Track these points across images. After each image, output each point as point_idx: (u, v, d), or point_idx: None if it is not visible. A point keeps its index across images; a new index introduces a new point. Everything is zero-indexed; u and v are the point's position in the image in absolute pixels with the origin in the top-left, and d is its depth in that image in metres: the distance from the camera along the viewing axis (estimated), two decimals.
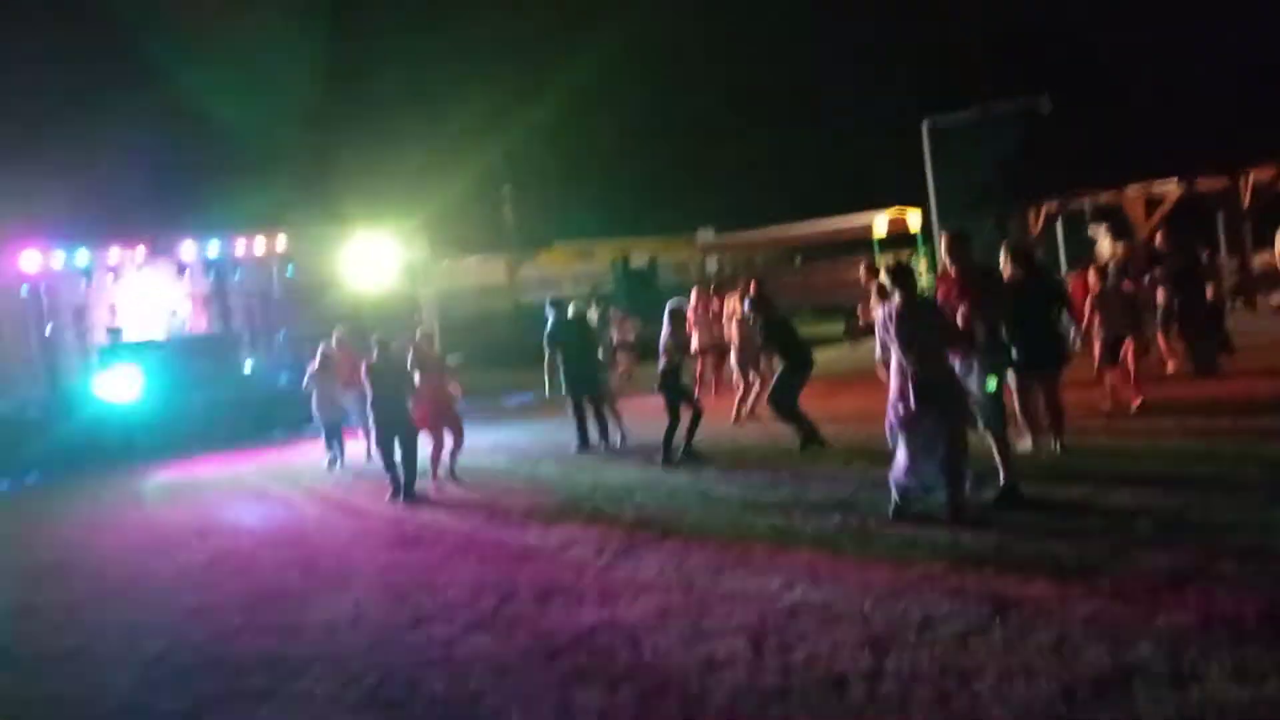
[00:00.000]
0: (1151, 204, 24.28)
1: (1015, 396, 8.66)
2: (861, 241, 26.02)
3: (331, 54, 31.44)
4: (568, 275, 38.98)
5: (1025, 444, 8.75)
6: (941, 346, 7.16)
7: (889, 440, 7.24)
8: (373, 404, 10.93)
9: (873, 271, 13.90)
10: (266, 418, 19.77)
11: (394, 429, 10.82)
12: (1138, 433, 9.61)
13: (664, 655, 5.31)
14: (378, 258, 22.79)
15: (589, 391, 13.02)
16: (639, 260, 40.70)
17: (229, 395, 19.38)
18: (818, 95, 42.40)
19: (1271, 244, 19.87)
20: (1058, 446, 8.97)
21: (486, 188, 36.69)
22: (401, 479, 10.78)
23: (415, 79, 35.24)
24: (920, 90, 35.24)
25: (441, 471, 11.46)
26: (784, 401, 10.94)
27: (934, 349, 7.06)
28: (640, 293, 39.78)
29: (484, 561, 7.84)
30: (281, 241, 22.13)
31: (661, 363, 11.28)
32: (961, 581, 5.84)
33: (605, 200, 41.76)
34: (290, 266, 22.43)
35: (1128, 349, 11.99)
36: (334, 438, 13.80)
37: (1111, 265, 12.24)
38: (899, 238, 26.52)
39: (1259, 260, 20.23)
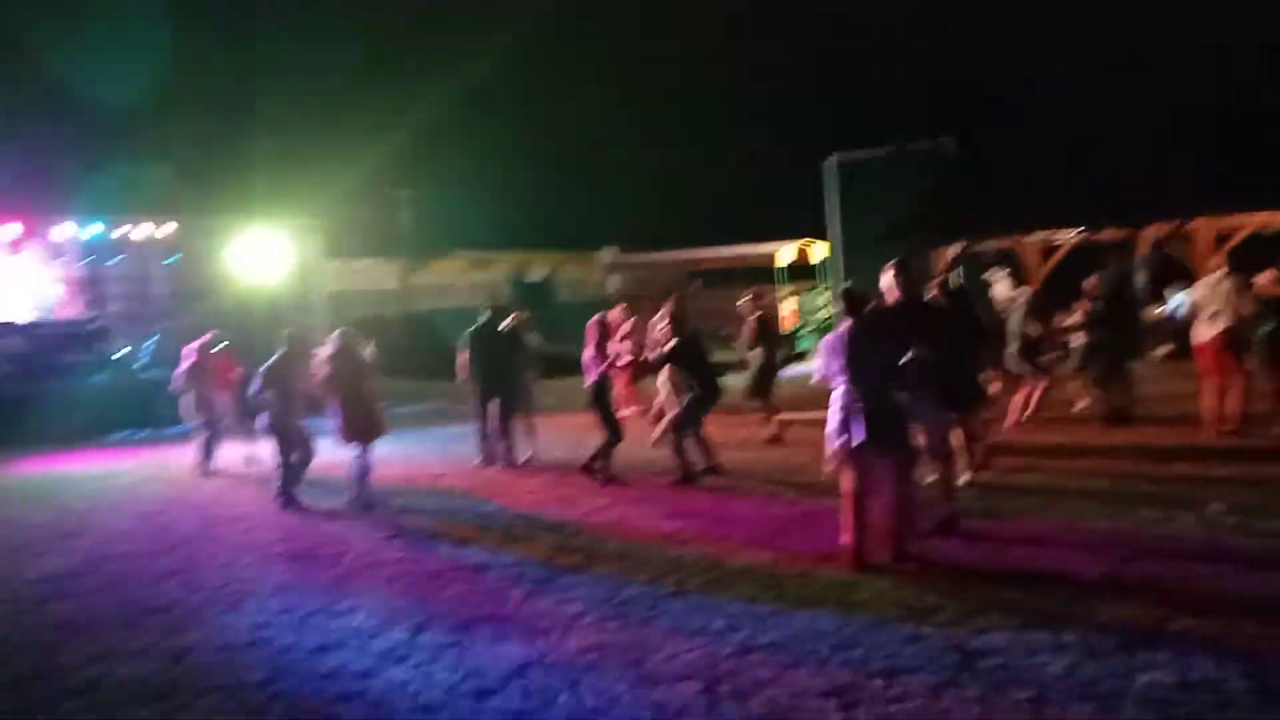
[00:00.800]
0: (1047, 251, 24.90)
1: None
2: (765, 270, 26.00)
3: (228, 42, 30.16)
4: (463, 284, 38.20)
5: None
6: (891, 377, 6.87)
7: (834, 474, 6.91)
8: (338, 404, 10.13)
9: (759, 300, 13.65)
10: (140, 412, 18.67)
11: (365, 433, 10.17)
12: (1062, 472, 9.52)
13: (609, 701, 4.83)
14: (269, 253, 21.80)
15: (502, 398, 12.48)
16: (536, 274, 40.24)
17: (97, 386, 18.23)
18: (729, 123, 42.60)
19: (1161, 298, 20.53)
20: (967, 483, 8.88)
21: (383, 190, 35.68)
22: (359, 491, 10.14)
23: (314, 73, 34.13)
24: (830, 125, 35.62)
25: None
26: (682, 430, 10.54)
27: (883, 380, 6.77)
28: (536, 306, 39.30)
29: (392, 583, 7.24)
30: (167, 229, 20.98)
31: (591, 377, 10.84)
32: (918, 627, 5.52)
33: (505, 211, 41.09)
34: (175, 256, 21.27)
35: (1029, 391, 12.11)
36: (205, 439, 12.97)
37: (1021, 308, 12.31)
38: (802, 269, 26.58)
39: (1149, 314, 20.83)
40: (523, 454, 12.59)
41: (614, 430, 10.62)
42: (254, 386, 10.47)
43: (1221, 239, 22.08)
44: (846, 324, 6.94)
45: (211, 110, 27.70)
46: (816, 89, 40.30)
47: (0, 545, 9.39)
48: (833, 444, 6.85)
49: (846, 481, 6.78)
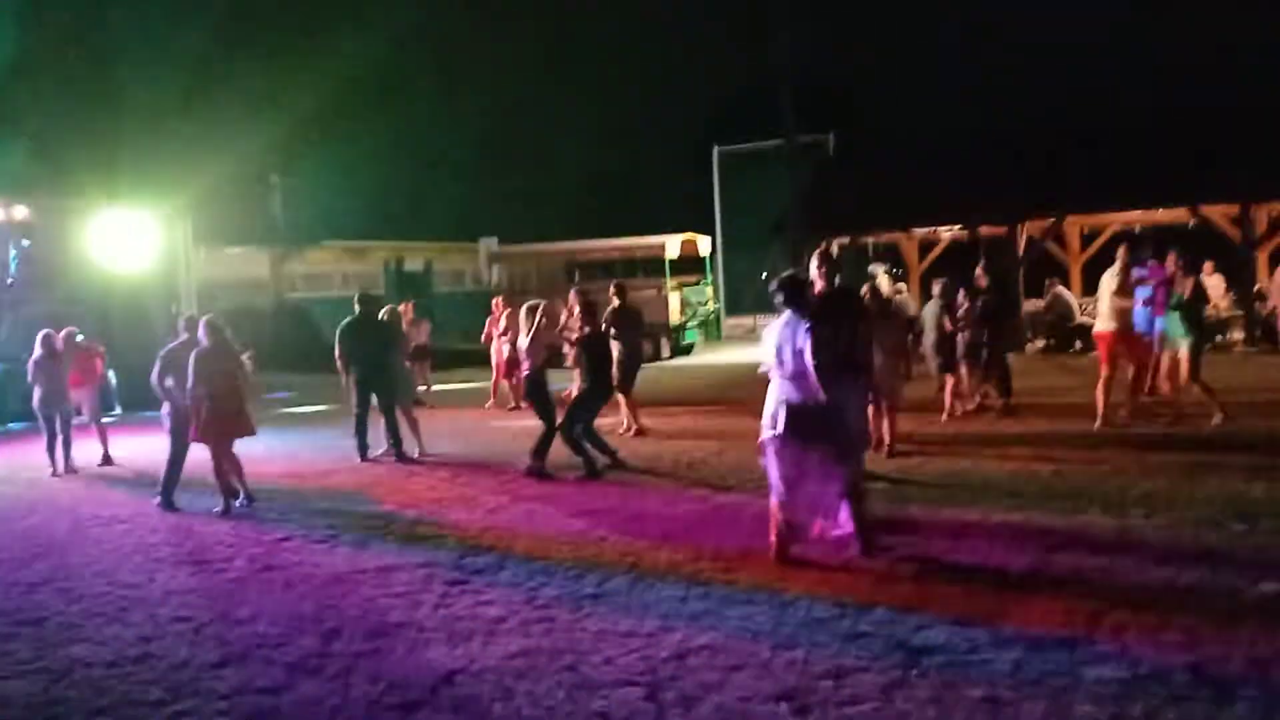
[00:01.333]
0: (925, 247, 25.47)
1: None
2: (652, 262, 25.85)
3: (87, 12, 28.47)
4: (337, 274, 37.09)
5: None
6: (842, 366, 6.78)
7: (766, 466, 6.75)
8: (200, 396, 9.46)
9: (621, 293, 13.25)
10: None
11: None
12: (968, 465, 9.60)
13: (548, 710, 4.55)
14: (132, 238, 20.63)
15: (379, 394, 12.04)
16: (413, 264, 39.37)
17: None
18: (612, 114, 42.38)
19: (1040, 293, 21.18)
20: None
21: (253, 177, 34.27)
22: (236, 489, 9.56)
23: (179, 51, 32.54)
24: (712, 119, 35.76)
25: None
26: (572, 426, 10.28)
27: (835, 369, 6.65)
28: (414, 297, 38.44)
29: (291, 588, 6.80)
30: (20, 212, 19.68)
31: (526, 367, 10.50)
32: (855, 625, 5.40)
33: (380, 201, 40.06)
34: (25, 241, 19.97)
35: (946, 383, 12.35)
36: (54, 438, 12.15)
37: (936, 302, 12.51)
38: (689, 261, 26.52)
39: (1027, 307, 21.49)
40: (411, 448, 12.17)
41: (551, 422, 10.27)
42: (154, 373, 9.78)
43: (1089, 237, 22.94)
44: (790, 313, 6.71)
45: (68, 85, 26.04)
46: (699, 79, 40.50)
47: None
48: (765, 434, 6.69)
49: (773, 473, 6.63)
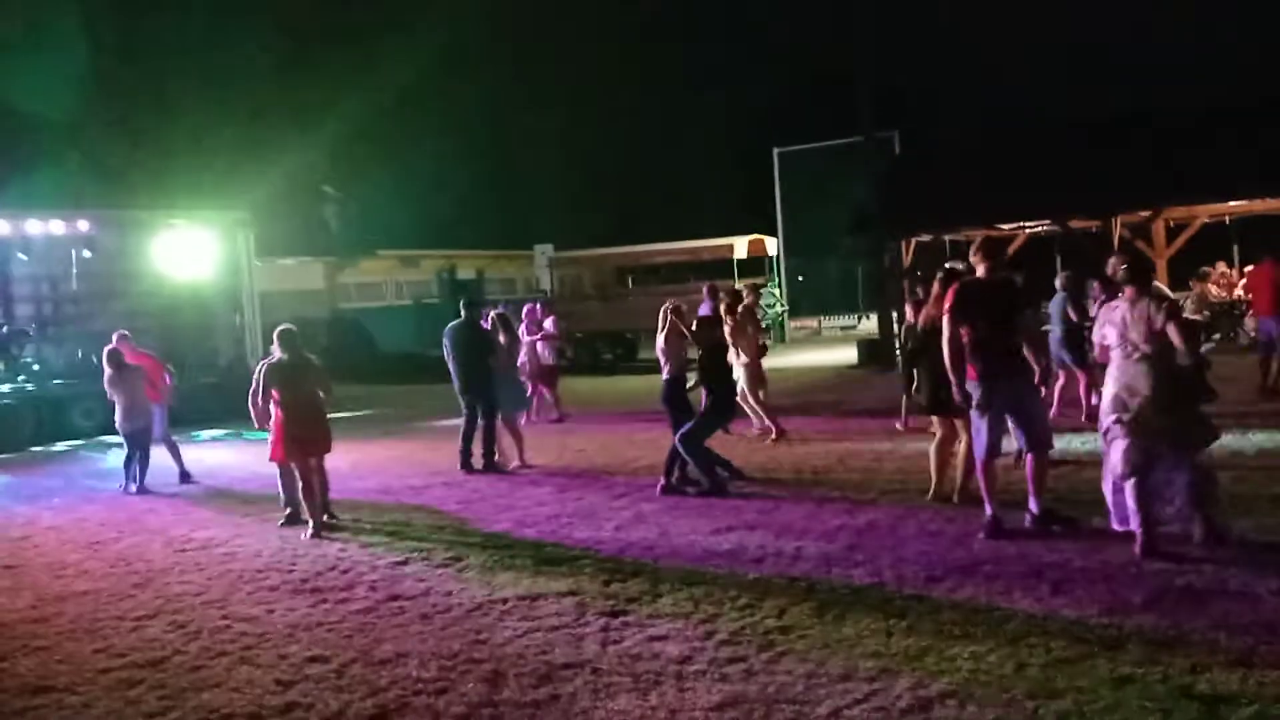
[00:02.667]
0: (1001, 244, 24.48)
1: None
2: (718, 266, 25.17)
3: (144, 32, 28.21)
4: (390, 283, 36.75)
5: None
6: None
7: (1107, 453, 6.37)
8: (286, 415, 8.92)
9: (735, 298, 12.54)
10: (55, 423, 17.13)
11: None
12: None
13: None
14: (195, 250, 20.15)
15: (481, 402, 11.43)
16: (466, 273, 38.87)
17: (7, 396, 16.68)
18: (663, 118, 41.74)
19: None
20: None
21: (306, 188, 33.96)
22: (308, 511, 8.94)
23: (235, 66, 32.24)
24: (769, 121, 35.05)
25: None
26: (699, 440, 9.50)
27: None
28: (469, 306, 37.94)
29: (428, 621, 6.12)
30: (83, 224, 19.26)
31: (666, 370, 9.82)
32: (1116, 664, 4.63)
33: (432, 210, 39.64)
34: (89, 252, 19.56)
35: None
36: (135, 455, 11.65)
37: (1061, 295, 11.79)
38: (755, 263, 25.82)
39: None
40: (509, 460, 11.55)
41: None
42: (254, 389, 9.20)
43: (1174, 230, 21.94)
44: (1132, 292, 6.38)
45: (124, 98, 25.78)
46: (757, 80, 39.73)
47: None
48: (1106, 420, 6.42)
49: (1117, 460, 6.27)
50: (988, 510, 7.06)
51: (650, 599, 6.18)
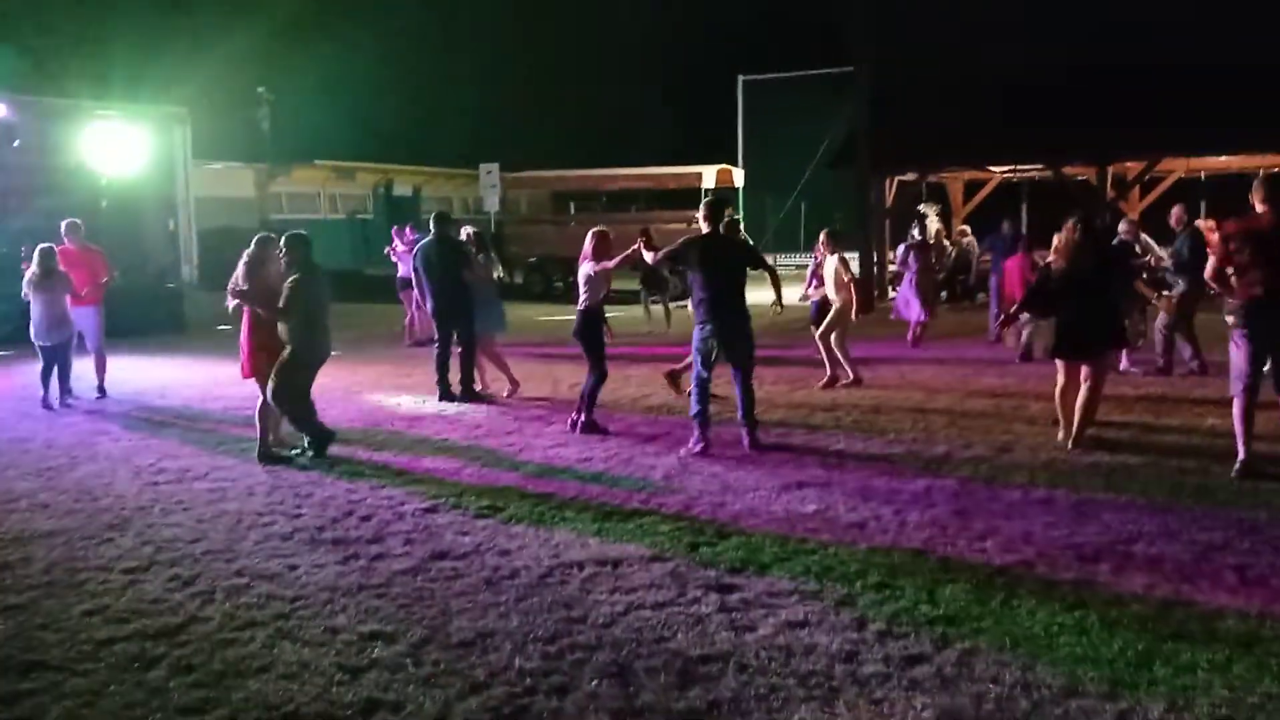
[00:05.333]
0: (970, 188, 23.92)
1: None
2: (681, 194, 24.04)
3: None
4: (324, 196, 34.85)
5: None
6: None
7: None
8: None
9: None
10: None
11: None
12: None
13: None
14: (126, 146, 18.38)
15: (458, 328, 10.45)
16: (402, 189, 37.14)
17: None
18: (620, 40, 40.05)
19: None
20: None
21: (240, 88, 31.74)
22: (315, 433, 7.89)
23: None
24: (735, 47, 33.74)
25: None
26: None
27: None
28: (403, 223, 36.25)
29: (495, 589, 5.13)
30: (2, 109, 17.35)
31: (583, 302, 8.79)
32: None
33: (371, 121, 37.64)
34: (16, 142, 17.64)
35: None
36: (54, 367, 10.43)
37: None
38: (721, 195, 24.73)
39: None
40: (502, 388, 10.62)
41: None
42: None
43: (1148, 184, 21.52)
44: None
45: None
46: (716, 11, 38.20)
47: None
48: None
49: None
50: (1240, 452, 6.82)
51: (756, 569, 5.26)
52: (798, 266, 29.38)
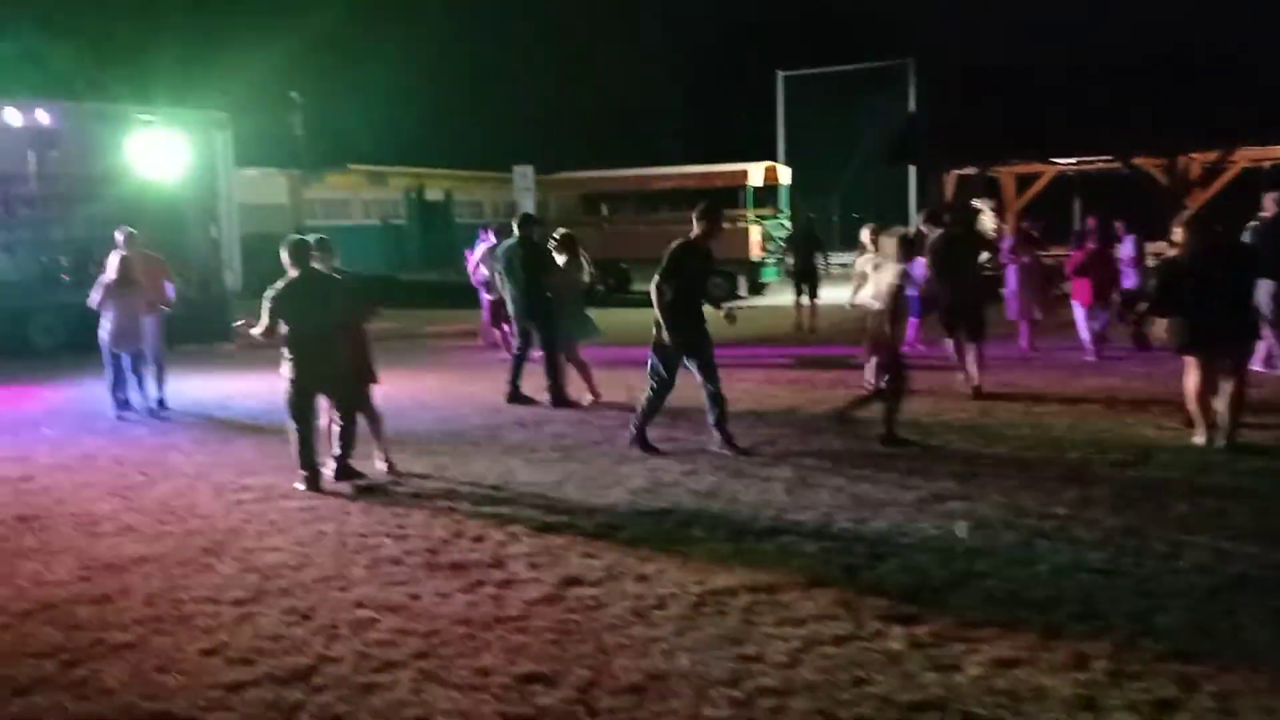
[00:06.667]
0: (1023, 181, 23.29)
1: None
2: (727, 192, 23.51)
3: None
4: (357, 201, 34.48)
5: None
6: None
7: None
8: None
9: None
10: (10, 340, 15.19)
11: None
12: None
13: None
14: (167, 152, 17.99)
15: (540, 330, 10.27)
16: (433, 194, 36.86)
17: None
18: (652, 36, 39.59)
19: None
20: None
21: (271, 92, 31.40)
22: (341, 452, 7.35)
23: None
24: (773, 44, 33.21)
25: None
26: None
27: None
28: (435, 227, 35.96)
29: (647, 620, 4.65)
30: (43, 116, 16.99)
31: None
32: None
33: (402, 126, 37.25)
34: (55, 151, 17.27)
35: None
36: (127, 376, 10.17)
37: None
38: (765, 193, 24.20)
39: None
40: (581, 395, 10.18)
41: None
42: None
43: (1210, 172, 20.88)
44: None
45: None
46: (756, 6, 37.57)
47: None
48: None
49: None
50: None
51: (930, 596, 4.77)
52: (840, 265, 28.86)
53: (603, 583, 5.13)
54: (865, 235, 12.53)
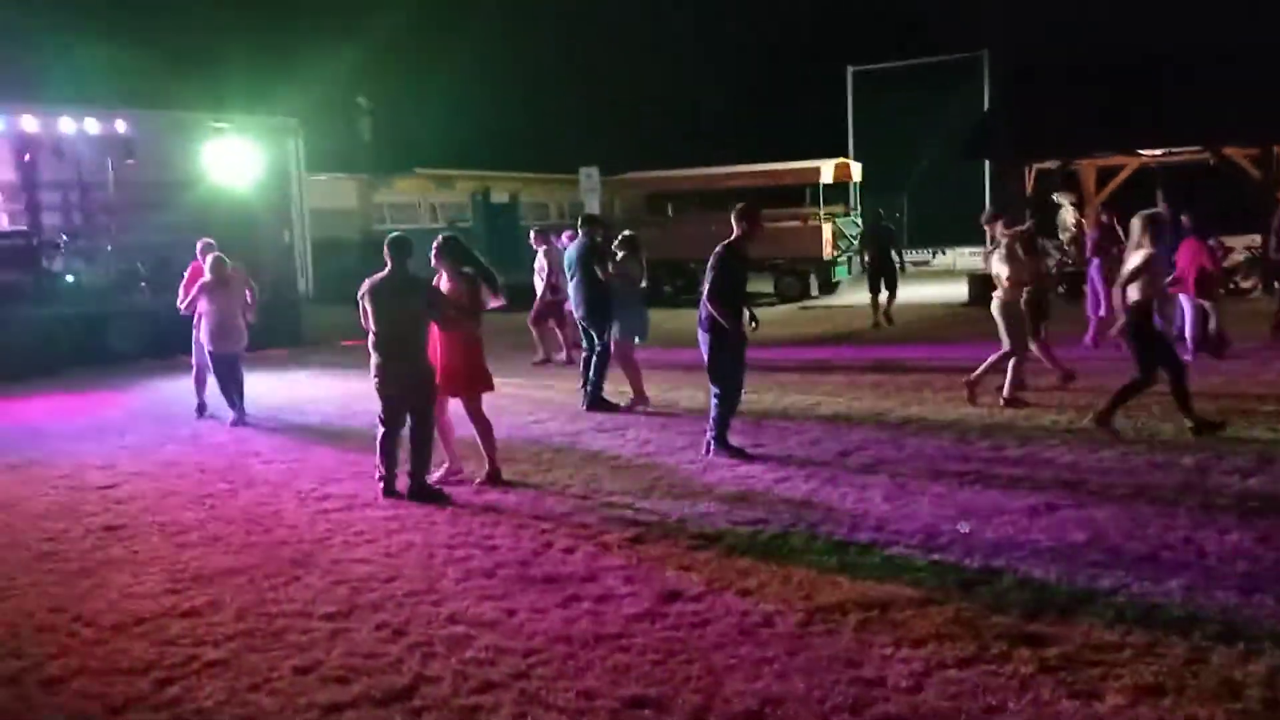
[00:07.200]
0: (1104, 175, 22.64)
1: None
2: (797, 190, 23.23)
3: None
4: (424, 205, 34.60)
5: None
6: None
7: None
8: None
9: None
10: (90, 345, 15.34)
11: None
12: None
13: None
14: (241, 158, 18.12)
15: (596, 331, 10.21)
16: (499, 196, 36.82)
17: (39, 313, 14.83)
18: (716, 34, 39.28)
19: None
20: None
21: (339, 97, 31.64)
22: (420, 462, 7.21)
23: None
24: (843, 38, 32.70)
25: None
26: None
27: None
28: (501, 230, 35.93)
29: (756, 639, 4.43)
30: (120, 125, 17.19)
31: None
32: None
33: (468, 129, 37.33)
34: (130, 160, 17.47)
35: None
36: (230, 382, 10.17)
37: None
38: (836, 190, 23.82)
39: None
40: (635, 400, 10.09)
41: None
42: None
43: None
44: None
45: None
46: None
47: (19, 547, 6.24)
48: None
49: None
50: None
51: (1056, 615, 4.49)
52: (914, 264, 28.31)
53: (703, 598, 4.92)
54: (996, 228, 11.87)
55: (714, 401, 7.85)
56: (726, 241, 7.73)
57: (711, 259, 7.65)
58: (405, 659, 4.38)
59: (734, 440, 7.91)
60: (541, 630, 4.61)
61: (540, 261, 13.72)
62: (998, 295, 9.40)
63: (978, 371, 9.43)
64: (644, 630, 4.56)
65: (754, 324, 8.02)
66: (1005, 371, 9.29)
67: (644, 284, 11.03)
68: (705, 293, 7.61)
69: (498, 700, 3.94)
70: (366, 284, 7.04)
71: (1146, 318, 7.73)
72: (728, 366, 7.75)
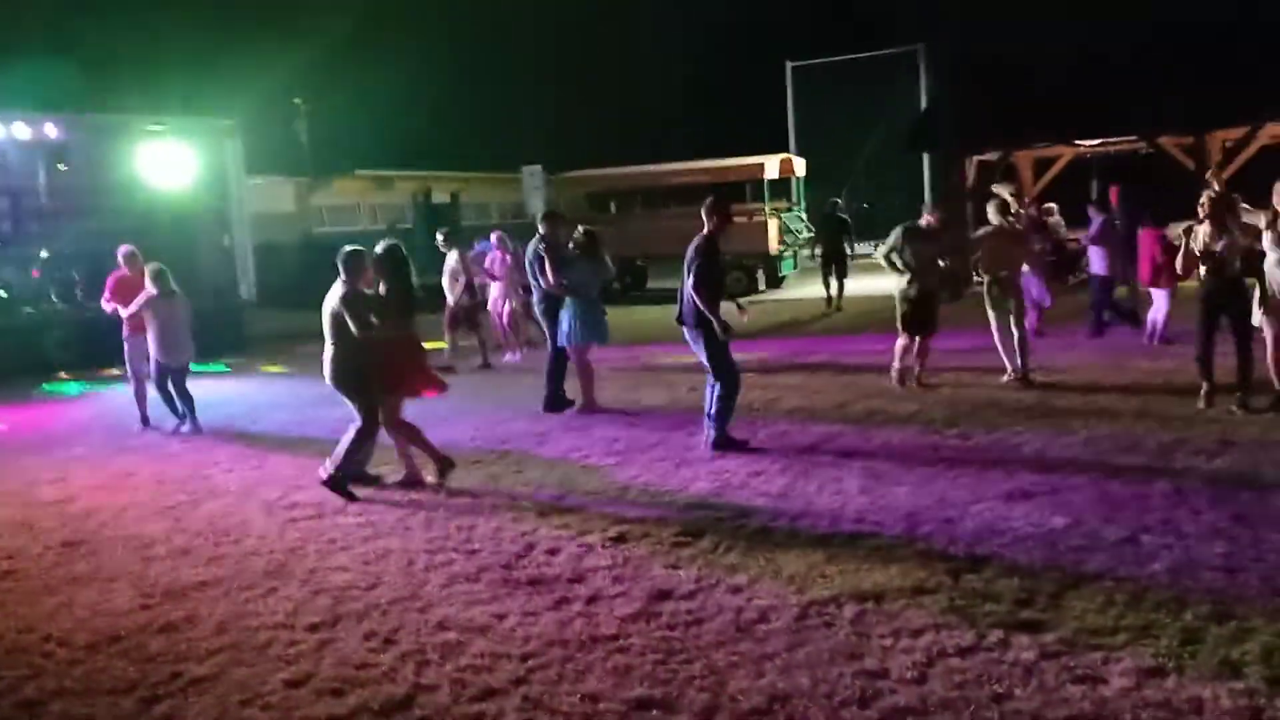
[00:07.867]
0: (1040, 166, 23.01)
1: None
2: (741, 186, 23.25)
3: None
4: (364, 206, 34.19)
5: None
6: None
7: None
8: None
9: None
10: (26, 356, 14.89)
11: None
12: None
13: None
14: (177, 162, 17.69)
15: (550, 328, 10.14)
16: (440, 196, 36.50)
17: None
18: (660, 36, 39.31)
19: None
20: None
21: (275, 99, 31.13)
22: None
23: None
24: (780, 35, 32.85)
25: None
26: None
27: None
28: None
29: (753, 636, 4.42)
30: (51, 129, 16.70)
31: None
32: None
33: (404, 129, 36.96)
34: (63, 165, 16.99)
35: None
36: (180, 393, 9.97)
37: None
38: (780, 186, 23.92)
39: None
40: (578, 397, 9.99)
41: None
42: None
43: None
44: None
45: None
46: None
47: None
48: None
49: None
50: None
51: (1047, 601, 4.53)
52: (852, 257, 28.49)
53: (695, 595, 4.89)
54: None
55: (715, 397, 7.78)
56: (704, 233, 7.70)
57: (692, 250, 7.60)
58: (398, 668, 4.29)
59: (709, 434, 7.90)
60: (535, 634, 4.55)
61: (453, 264, 13.32)
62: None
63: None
64: (640, 630, 4.52)
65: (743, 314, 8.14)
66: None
67: (614, 281, 10.81)
68: (690, 283, 7.55)
69: (500, 707, 3.88)
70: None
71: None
72: (727, 357, 7.72)
